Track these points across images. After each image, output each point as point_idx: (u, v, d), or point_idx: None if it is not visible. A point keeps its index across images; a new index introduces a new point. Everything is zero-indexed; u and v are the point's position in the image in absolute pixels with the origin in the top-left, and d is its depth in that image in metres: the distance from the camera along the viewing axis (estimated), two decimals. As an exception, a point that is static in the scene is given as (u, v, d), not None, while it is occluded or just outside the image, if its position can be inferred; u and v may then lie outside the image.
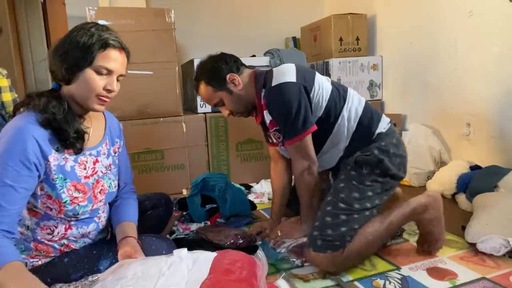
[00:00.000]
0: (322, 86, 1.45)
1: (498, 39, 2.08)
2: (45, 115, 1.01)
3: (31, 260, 1.09)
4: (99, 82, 1.04)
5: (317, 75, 1.48)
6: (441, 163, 2.42)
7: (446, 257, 1.44)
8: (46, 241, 1.09)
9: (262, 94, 1.46)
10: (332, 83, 1.50)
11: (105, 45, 1.03)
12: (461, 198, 2.00)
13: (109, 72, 1.05)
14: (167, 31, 2.31)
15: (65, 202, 1.06)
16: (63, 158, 1.06)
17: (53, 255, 1.11)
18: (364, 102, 1.52)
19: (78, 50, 1.01)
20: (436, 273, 1.33)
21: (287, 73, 1.41)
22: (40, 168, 1.01)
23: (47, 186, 1.04)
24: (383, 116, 1.53)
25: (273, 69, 1.48)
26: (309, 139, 1.41)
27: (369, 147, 1.44)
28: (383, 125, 1.49)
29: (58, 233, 1.10)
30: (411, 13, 2.67)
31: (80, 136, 1.07)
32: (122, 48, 1.08)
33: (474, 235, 1.47)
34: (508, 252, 1.40)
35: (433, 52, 2.49)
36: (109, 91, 1.06)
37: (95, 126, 1.18)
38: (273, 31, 3.30)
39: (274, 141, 1.57)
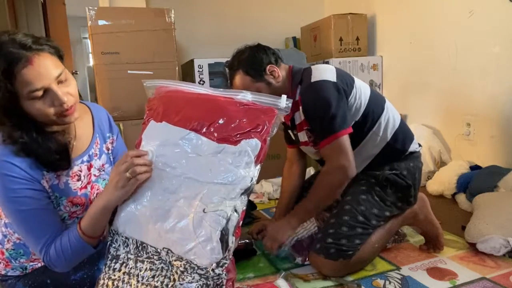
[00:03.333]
0: (361, 91, 1.41)
1: (498, 39, 2.08)
2: (16, 145, 0.91)
3: (31, 263, 1.08)
4: (44, 106, 0.89)
5: (356, 79, 1.44)
6: (441, 163, 2.42)
7: (446, 257, 1.44)
8: None
9: (298, 91, 1.40)
10: (372, 89, 1.47)
11: (10, 71, 0.83)
12: (461, 198, 2.00)
13: (41, 89, 0.87)
14: (167, 31, 2.31)
15: (63, 218, 1.03)
16: (55, 177, 1.00)
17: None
18: (400, 117, 1.50)
19: None
20: (436, 273, 1.33)
21: (326, 72, 1.36)
22: (39, 184, 0.96)
23: None
24: (414, 136, 1.53)
25: (311, 66, 1.42)
26: (347, 139, 1.31)
27: (398, 163, 1.43)
28: (415, 145, 1.50)
29: None
30: (411, 13, 2.67)
31: (62, 154, 0.98)
32: (32, 52, 0.86)
33: (474, 235, 1.47)
34: (508, 252, 1.40)
35: (433, 52, 2.49)
36: (61, 105, 0.90)
37: (81, 130, 1.08)
38: (273, 31, 3.30)
39: (302, 140, 1.50)
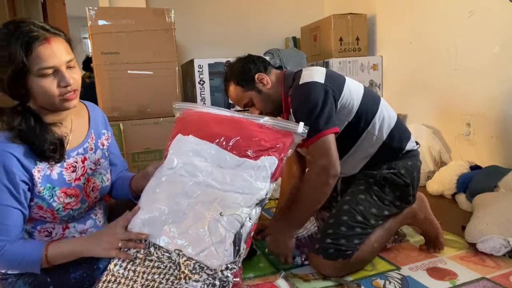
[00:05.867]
0: (353, 91, 1.42)
1: (498, 39, 2.08)
2: (13, 132, 0.96)
3: None
4: (50, 84, 0.95)
5: (348, 80, 1.45)
6: (441, 163, 2.42)
7: (446, 257, 1.44)
8: None
9: (289, 93, 1.45)
10: (365, 89, 1.47)
11: (28, 46, 0.90)
12: (461, 198, 2.00)
13: (52, 68, 0.94)
14: (167, 31, 2.31)
15: (57, 209, 1.04)
16: (48, 167, 1.02)
17: (52, 255, 1.11)
18: (396, 115, 1.50)
19: (8, 67, 0.91)
20: (436, 273, 1.33)
21: (315, 74, 1.40)
22: (28, 181, 0.99)
23: (36, 198, 1.02)
24: (411, 135, 1.53)
25: (303, 69, 1.47)
26: (331, 139, 1.31)
27: (396, 162, 1.43)
28: (412, 143, 1.50)
29: (56, 234, 1.09)
30: (411, 13, 2.67)
31: (57, 147, 1.01)
32: (50, 34, 0.95)
33: (474, 235, 1.47)
34: (508, 252, 1.40)
35: (433, 52, 2.49)
36: (66, 86, 0.96)
37: (77, 123, 1.13)
38: (273, 31, 3.30)
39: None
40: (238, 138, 1.03)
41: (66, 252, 0.99)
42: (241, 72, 1.49)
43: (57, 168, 1.04)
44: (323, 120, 1.31)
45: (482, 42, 2.17)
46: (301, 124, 1.08)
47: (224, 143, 1.03)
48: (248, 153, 1.02)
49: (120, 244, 0.95)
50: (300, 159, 1.65)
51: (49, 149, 0.99)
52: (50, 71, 0.94)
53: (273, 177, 1.02)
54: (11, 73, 0.92)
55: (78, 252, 0.99)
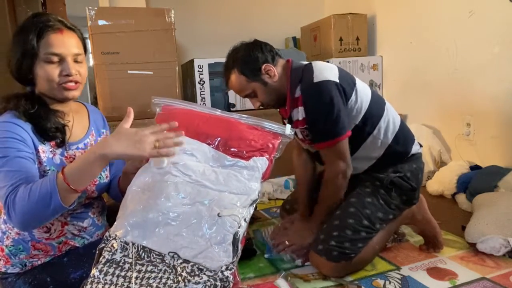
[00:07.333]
0: (362, 93, 1.38)
1: (498, 39, 2.08)
2: (19, 109, 1.00)
3: (30, 260, 1.09)
4: (53, 71, 1.00)
5: (358, 81, 1.40)
6: (441, 163, 2.42)
7: (446, 257, 1.44)
8: (44, 240, 1.09)
9: (298, 88, 1.36)
10: (372, 91, 1.44)
11: (41, 32, 0.98)
12: (461, 198, 2.00)
13: (58, 56, 1.00)
14: (167, 31, 2.31)
15: None
16: (51, 151, 1.06)
17: (52, 253, 1.11)
18: (400, 118, 1.49)
19: (19, 49, 0.99)
20: (436, 273, 1.33)
21: (329, 71, 1.33)
22: (35, 155, 1.01)
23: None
24: (415, 137, 1.52)
25: (312, 63, 1.38)
26: (346, 143, 1.33)
27: (402, 165, 1.42)
28: (416, 147, 1.49)
29: (55, 230, 1.09)
30: (411, 13, 2.67)
31: (60, 128, 1.05)
32: (65, 27, 1.02)
33: (474, 235, 1.47)
34: (508, 252, 1.40)
35: (433, 52, 2.49)
36: (67, 76, 1.01)
37: (78, 120, 1.17)
38: (273, 31, 3.29)
39: (299, 137, 1.47)
40: (228, 138, 1.03)
41: (80, 160, 0.90)
42: (247, 61, 1.37)
43: (58, 156, 1.07)
44: (341, 124, 1.30)
45: (482, 42, 2.17)
46: (288, 126, 1.08)
47: (215, 142, 1.03)
48: (240, 153, 1.02)
49: (153, 138, 0.87)
50: (311, 157, 1.60)
51: (52, 128, 1.03)
52: (55, 58, 1.00)
53: (263, 178, 1.03)
54: (21, 55, 0.99)
55: (93, 154, 0.88)
